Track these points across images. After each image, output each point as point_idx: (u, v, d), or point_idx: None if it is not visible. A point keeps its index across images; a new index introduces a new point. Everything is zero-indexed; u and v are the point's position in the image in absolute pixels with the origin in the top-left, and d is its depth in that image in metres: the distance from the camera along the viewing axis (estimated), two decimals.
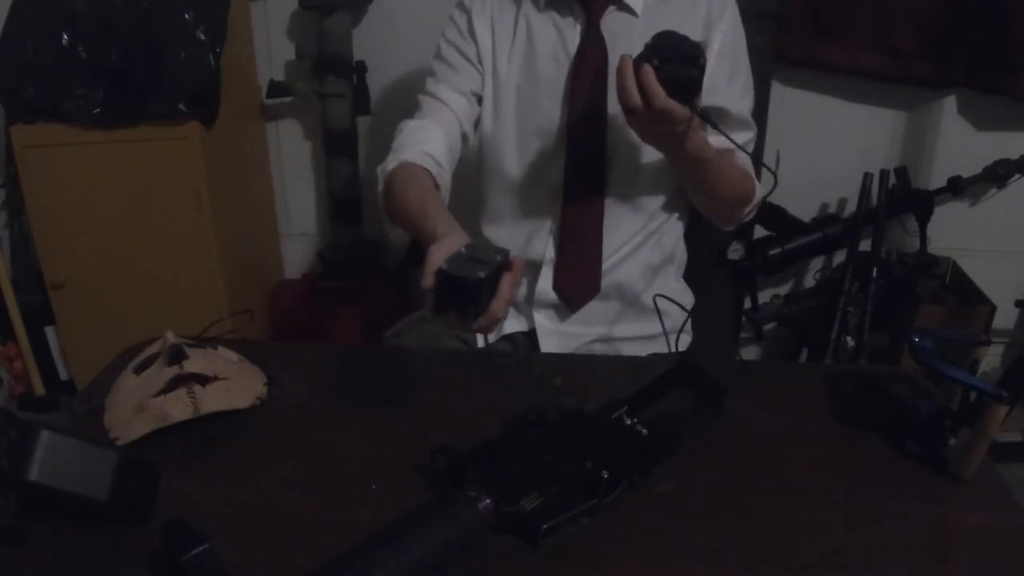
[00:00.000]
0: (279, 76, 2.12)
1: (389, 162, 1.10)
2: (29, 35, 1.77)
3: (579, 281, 1.20)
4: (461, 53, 1.19)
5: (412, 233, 1.03)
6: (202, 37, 1.78)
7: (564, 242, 1.19)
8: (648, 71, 0.91)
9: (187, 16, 1.77)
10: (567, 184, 1.17)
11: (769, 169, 1.08)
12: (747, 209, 1.19)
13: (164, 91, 1.75)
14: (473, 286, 0.74)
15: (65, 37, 1.77)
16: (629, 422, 0.83)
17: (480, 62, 1.19)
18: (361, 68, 2.06)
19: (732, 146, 1.15)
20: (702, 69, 0.92)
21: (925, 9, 1.88)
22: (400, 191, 1.04)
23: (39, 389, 2.18)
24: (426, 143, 1.11)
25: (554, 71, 1.15)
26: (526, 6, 1.16)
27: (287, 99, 2.13)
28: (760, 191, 1.17)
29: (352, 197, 2.16)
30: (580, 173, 1.16)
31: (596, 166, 1.16)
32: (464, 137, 1.19)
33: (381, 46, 2.09)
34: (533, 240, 1.22)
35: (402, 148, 1.11)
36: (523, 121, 1.18)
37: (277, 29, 2.12)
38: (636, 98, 0.92)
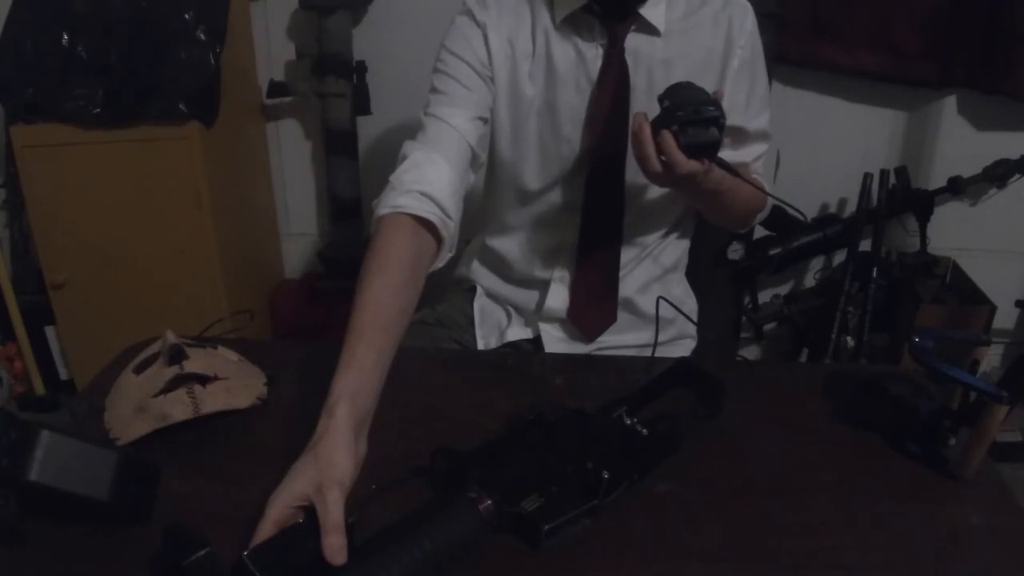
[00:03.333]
0: (279, 76, 2.12)
1: (382, 204, 0.94)
2: (29, 35, 1.77)
3: (596, 311, 1.19)
4: (474, 70, 1.08)
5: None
6: (202, 37, 1.78)
7: (581, 267, 1.17)
8: (668, 139, 0.88)
9: (187, 16, 1.77)
10: (586, 206, 1.14)
11: (783, 201, 1.08)
12: (759, 217, 1.19)
13: (164, 91, 1.75)
14: None
15: (65, 37, 1.77)
16: (629, 422, 0.83)
17: (494, 81, 1.10)
18: (361, 68, 2.06)
19: (746, 161, 1.14)
20: (722, 128, 0.90)
21: (925, 9, 1.88)
22: (370, 264, 0.87)
23: (39, 389, 2.19)
24: (427, 181, 0.96)
25: (576, 98, 1.09)
26: (543, 22, 1.08)
27: (287, 99, 2.13)
28: (771, 200, 1.16)
29: (352, 197, 2.16)
30: (600, 197, 1.13)
31: (616, 190, 1.13)
32: (477, 162, 1.08)
33: (381, 46, 2.09)
34: (545, 256, 1.20)
35: (399, 186, 0.95)
36: (544, 146, 1.13)
37: (277, 29, 2.12)
38: (657, 165, 0.90)
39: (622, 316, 1.21)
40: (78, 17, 1.78)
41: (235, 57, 1.92)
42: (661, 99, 0.91)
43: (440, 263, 1.00)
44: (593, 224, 1.15)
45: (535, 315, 1.22)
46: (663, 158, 0.90)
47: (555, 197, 1.16)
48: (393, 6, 2.06)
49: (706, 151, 0.90)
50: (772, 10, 1.89)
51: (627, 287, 1.20)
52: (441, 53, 1.10)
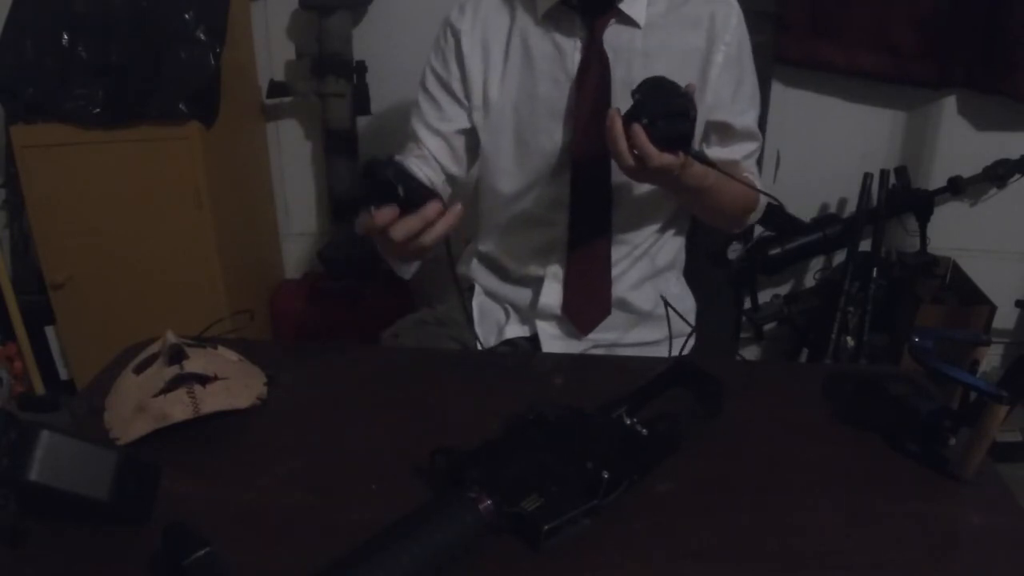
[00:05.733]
0: (279, 76, 2.12)
1: None
2: (29, 35, 1.77)
3: (590, 305, 1.19)
4: (445, 89, 1.16)
5: None
6: (202, 37, 1.78)
7: (573, 262, 1.18)
8: (639, 132, 0.89)
9: (187, 16, 1.77)
10: (573, 203, 1.14)
11: (773, 197, 1.08)
12: (752, 216, 1.19)
13: (164, 91, 1.75)
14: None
15: (65, 37, 1.77)
16: (629, 422, 0.83)
17: (467, 96, 1.15)
18: (361, 68, 2.06)
19: (736, 159, 1.14)
20: (693, 121, 0.90)
21: (924, 9, 1.88)
22: None
23: (39, 389, 2.19)
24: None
25: (554, 91, 1.11)
26: (522, 20, 1.11)
27: (287, 99, 2.13)
28: (764, 199, 1.16)
29: (352, 197, 2.16)
30: (587, 192, 1.14)
31: (603, 185, 1.13)
32: (451, 178, 1.21)
33: (381, 46, 2.09)
34: (537, 254, 1.21)
35: None
36: (521, 140, 1.14)
37: (277, 29, 2.12)
38: (630, 159, 0.91)
39: (619, 315, 1.21)
40: (78, 17, 1.77)
41: (235, 57, 1.92)
42: (634, 93, 0.91)
43: None
44: (582, 220, 1.16)
45: (531, 313, 1.23)
46: (636, 152, 0.90)
47: (540, 194, 1.17)
48: (393, 6, 2.06)
49: (678, 143, 0.90)
50: (770, 10, 1.89)
51: (622, 286, 1.20)
52: (426, 65, 1.17)
